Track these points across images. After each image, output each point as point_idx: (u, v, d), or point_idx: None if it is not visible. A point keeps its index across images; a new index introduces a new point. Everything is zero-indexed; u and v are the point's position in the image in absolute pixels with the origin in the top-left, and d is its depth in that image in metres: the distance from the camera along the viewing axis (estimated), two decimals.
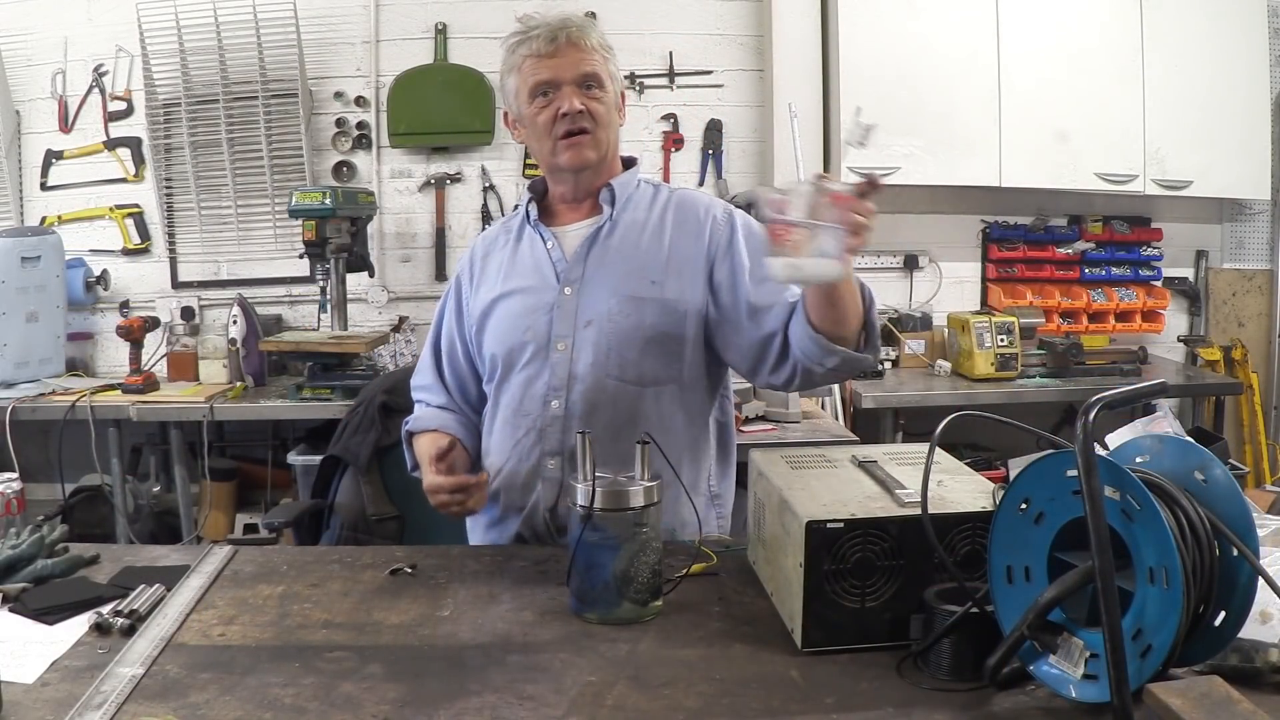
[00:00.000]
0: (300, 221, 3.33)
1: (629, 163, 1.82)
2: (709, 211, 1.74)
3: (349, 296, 3.62)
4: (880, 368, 3.70)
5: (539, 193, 1.81)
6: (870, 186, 1.31)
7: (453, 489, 1.58)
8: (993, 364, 3.55)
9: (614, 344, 1.66)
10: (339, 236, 3.37)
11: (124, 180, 3.84)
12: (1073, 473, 1.03)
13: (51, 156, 3.81)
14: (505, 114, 1.77)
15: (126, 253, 3.86)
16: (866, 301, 1.53)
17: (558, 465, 1.67)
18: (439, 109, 3.78)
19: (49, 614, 1.32)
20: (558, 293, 1.69)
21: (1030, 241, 4.09)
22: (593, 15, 3.75)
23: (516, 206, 1.88)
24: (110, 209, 3.84)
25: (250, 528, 3.50)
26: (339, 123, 3.84)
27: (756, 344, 1.64)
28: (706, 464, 1.78)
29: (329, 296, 3.47)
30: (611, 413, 1.65)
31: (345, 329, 3.57)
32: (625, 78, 3.74)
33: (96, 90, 3.79)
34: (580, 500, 1.32)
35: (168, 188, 3.81)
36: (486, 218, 3.88)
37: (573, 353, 1.67)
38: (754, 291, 1.64)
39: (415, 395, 1.89)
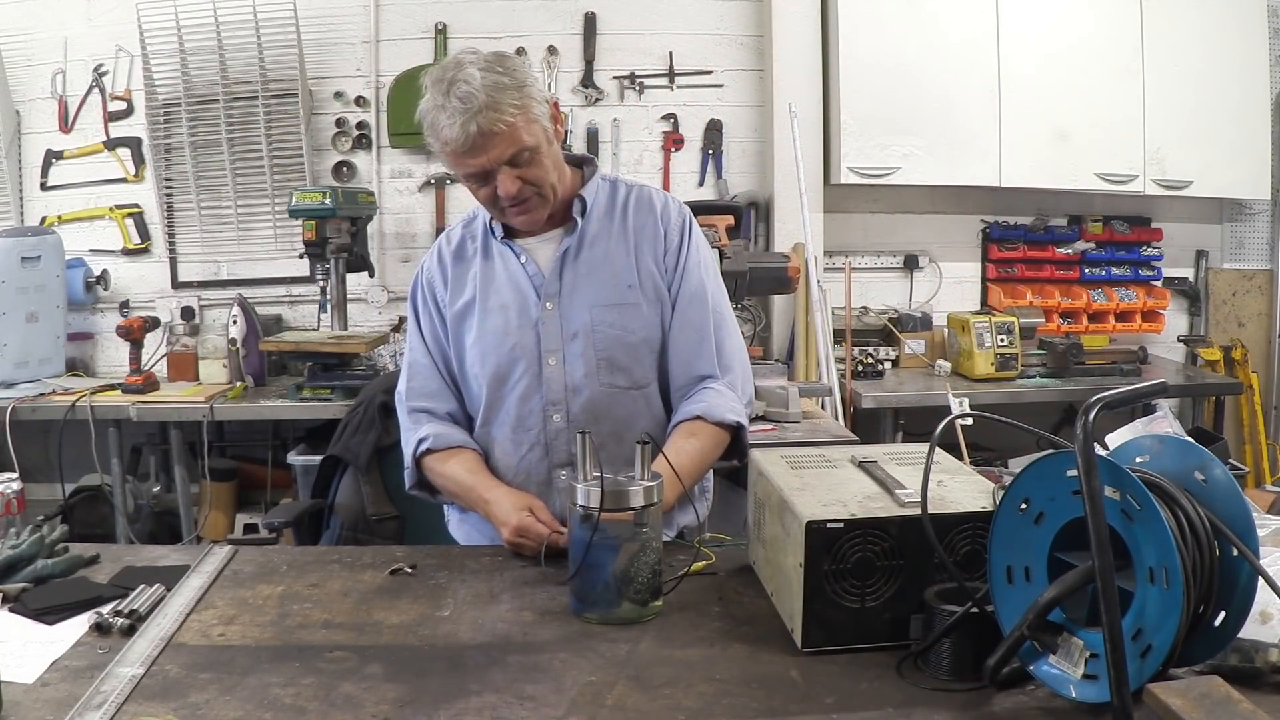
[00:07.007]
0: (300, 221, 3.33)
1: (581, 160, 1.78)
2: (665, 214, 1.74)
3: (349, 296, 3.63)
4: (880, 368, 3.72)
5: None
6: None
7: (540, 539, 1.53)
8: (993, 364, 3.55)
9: (604, 352, 1.68)
10: (339, 236, 3.38)
11: (124, 180, 3.84)
12: (1073, 473, 1.03)
13: (51, 156, 3.81)
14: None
15: (126, 253, 3.86)
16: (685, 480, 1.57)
17: (570, 476, 1.66)
18: None
19: (49, 614, 1.32)
20: (539, 308, 1.69)
21: (1030, 241, 4.09)
22: (593, 15, 3.76)
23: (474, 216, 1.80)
24: (110, 209, 3.84)
25: (250, 528, 3.50)
26: (339, 123, 3.84)
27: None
28: None
29: (329, 296, 3.47)
30: (613, 419, 1.68)
31: (345, 329, 3.58)
32: (625, 78, 3.81)
33: (96, 90, 3.79)
34: (581, 500, 1.32)
35: (168, 188, 3.80)
36: None
37: (565, 365, 1.68)
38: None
39: (418, 404, 1.77)
